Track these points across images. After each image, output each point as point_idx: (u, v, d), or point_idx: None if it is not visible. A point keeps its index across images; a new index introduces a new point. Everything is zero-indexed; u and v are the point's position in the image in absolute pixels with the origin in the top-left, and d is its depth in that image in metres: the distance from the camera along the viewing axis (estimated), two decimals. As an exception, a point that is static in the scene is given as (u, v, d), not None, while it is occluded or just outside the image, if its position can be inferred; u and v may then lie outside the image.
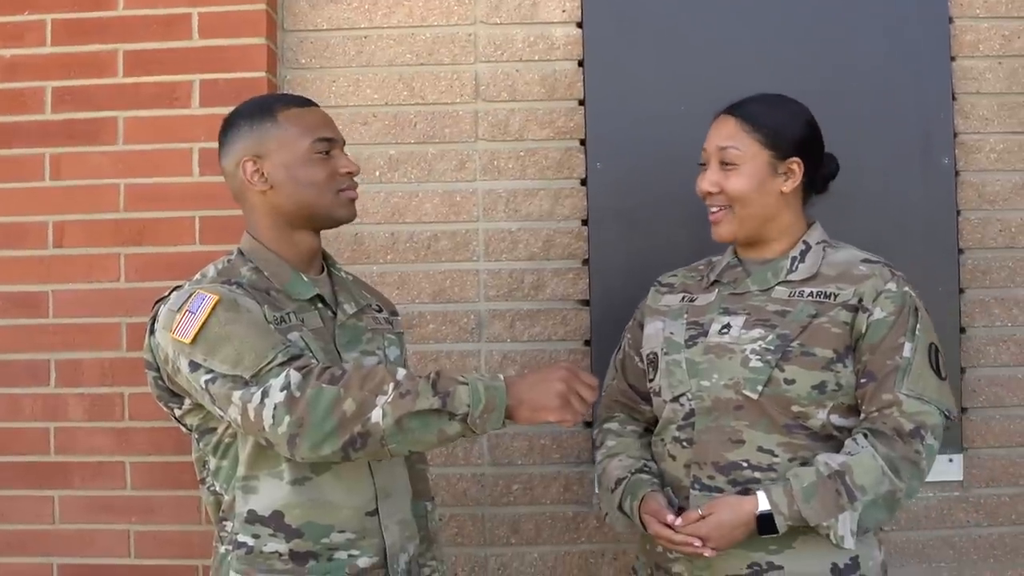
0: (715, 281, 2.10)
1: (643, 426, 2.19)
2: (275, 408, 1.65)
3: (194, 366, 1.73)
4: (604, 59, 2.70)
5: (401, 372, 1.69)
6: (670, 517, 1.92)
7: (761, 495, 1.89)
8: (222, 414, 1.73)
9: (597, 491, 2.15)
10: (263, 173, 1.87)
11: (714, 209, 2.04)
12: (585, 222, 2.71)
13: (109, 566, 2.61)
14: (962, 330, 2.68)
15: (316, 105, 1.96)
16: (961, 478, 2.66)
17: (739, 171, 2.01)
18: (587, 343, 2.69)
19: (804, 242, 2.05)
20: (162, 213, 2.63)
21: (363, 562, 1.84)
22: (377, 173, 2.70)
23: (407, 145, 2.72)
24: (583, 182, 2.71)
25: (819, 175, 2.10)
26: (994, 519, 2.67)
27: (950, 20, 2.69)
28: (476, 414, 1.67)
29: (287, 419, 1.65)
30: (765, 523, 1.88)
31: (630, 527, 2.06)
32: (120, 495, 2.61)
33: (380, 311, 2.06)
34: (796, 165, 2.04)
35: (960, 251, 2.68)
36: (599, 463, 2.15)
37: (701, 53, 2.68)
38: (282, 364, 1.69)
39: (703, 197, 2.06)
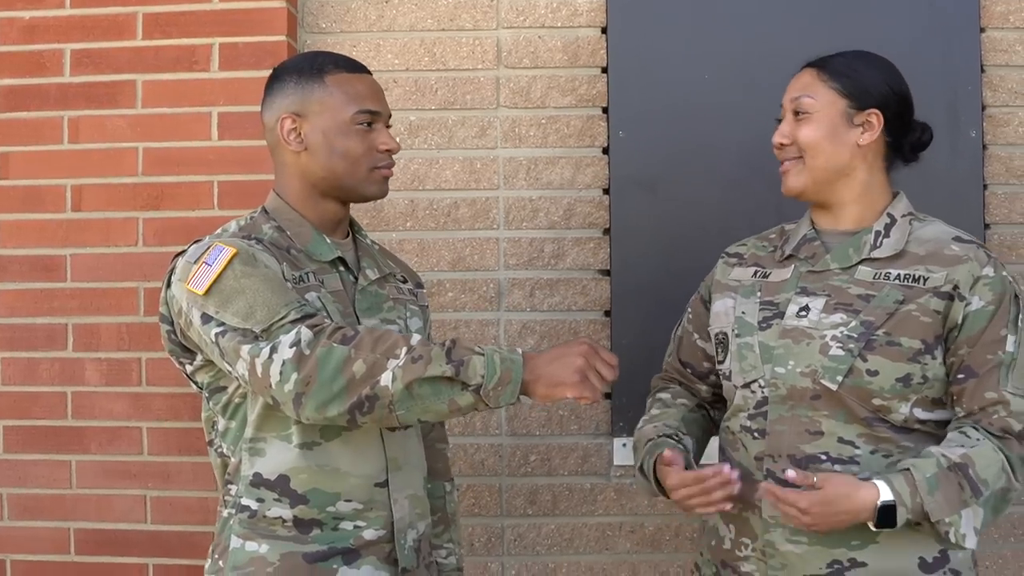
0: (790, 255, 1.97)
1: (696, 401, 2.09)
2: (283, 364, 1.61)
3: (206, 318, 1.69)
4: (627, 26, 2.66)
5: (415, 337, 1.65)
6: (790, 472, 1.75)
7: (882, 484, 1.72)
8: (230, 369, 1.70)
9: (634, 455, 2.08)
10: (300, 133, 1.82)
11: (784, 161, 1.94)
12: (607, 191, 2.68)
13: (125, 531, 2.61)
14: (987, 305, 2.64)
15: (368, 72, 1.90)
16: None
17: (811, 119, 1.90)
18: (607, 313, 2.67)
19: (888, 214, 1.91)
20: (180, 177, 2.61)
21: (369, 534, 1.79)
22: (397, 139, 2.64)
23: (428, 111, 2.70)
24: (605, 150, 2.68)
25: (907, 141, 1.97)
26: (1016, 499, 2.60)
27: (980, -10, 2.65)
28: (490, 386, 1.61)
29: (294, 376, 1.61)
30: (885, 515, 1.72)
31: (649, 493, 1.97)
32: (137, 460, 2.61)
33: (405, 282, 2.02)
34: (875, 117, 1.90)
35: (987, 226, 2.65)
36: (638, 429, 2.04)
37: (726, 20, 2.64)
38: (294, 321, 1.65)
39: (777, 151, 1.96)
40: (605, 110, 2.68)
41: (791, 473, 1.75)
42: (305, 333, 1.63)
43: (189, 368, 1.83)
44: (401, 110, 2.68)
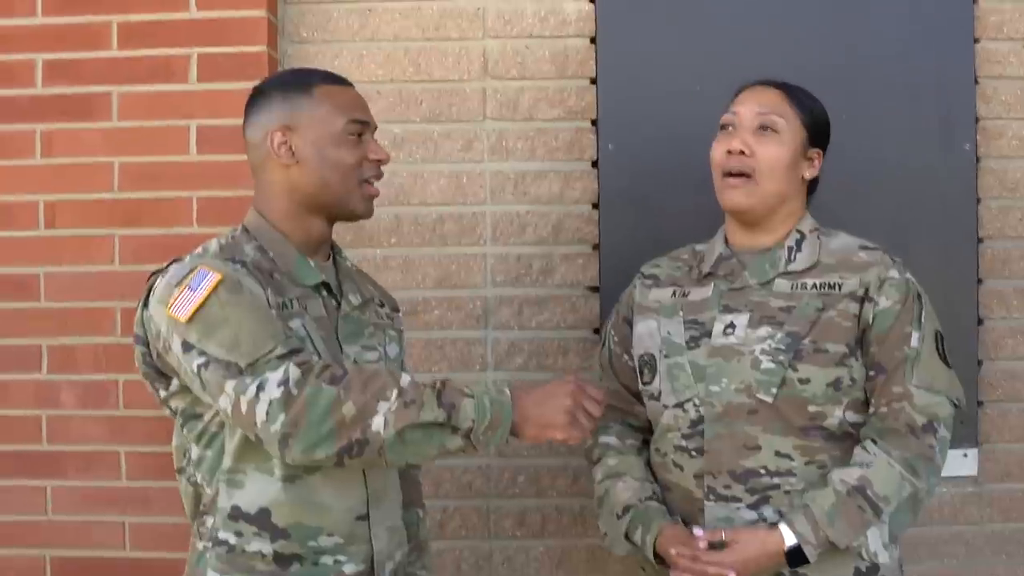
0: (708, 274, 2.02)
1: (640, 437, 2.10)
2: (270, 404, 1.58)
3: (187, 347, 1.64)
4: (617, 36, 2.60)
5: (406, 378, 1.63)
6: (701, 544, 1.85)
7: (784, 528, 1.83)
8: (211, 402, 1.66)
9: (599, 511, 2.09)
10: (291, 147, 1.79)
11: (733, 174, 1.95)
12: (596, 205, 2.62)
13: (103, 559, 2.54)
14: (980, 321, 2.62)
15: (352, 85, 1.89)
16: (975, 473, 2.61)
17: (779, 139, 1.95)
18: (596, 331, 2.62)
19: (798, 231, 1.99)
20: (158, 193, 2.53)
21: (349, 568, 1.77)
22: (382, 153, 2.61)
23: (412, 124, 2.63)
24: (594, 164, 2.63)
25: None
26: (1008, 515, 2.62)
27: (974, 1, 2.61)
28: (480, 430, 1.61)
29: (282, 417, 1.57)
30: (795, 556, 1.82)
31: (632, 553, 2.00)
32: (115, 486, 2.54)
33: (382, 306, 2.00)
34: (818, 156, 2.03)
35: (980, 240, 2.62)
36: (600, 483, 2.06)
37: (717, 31, 2.59)
38: (281, 357, 1.62)
39: (720, 160, 1.98)
40: (594, 122, 2.63)
41: (699, 532, 1.86)
42: (293, 371, 1.60)
43: (163, 393, 1.78)
44: (385, 122, 2.60)
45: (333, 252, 1.94)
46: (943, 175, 2.59)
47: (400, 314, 2.07)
